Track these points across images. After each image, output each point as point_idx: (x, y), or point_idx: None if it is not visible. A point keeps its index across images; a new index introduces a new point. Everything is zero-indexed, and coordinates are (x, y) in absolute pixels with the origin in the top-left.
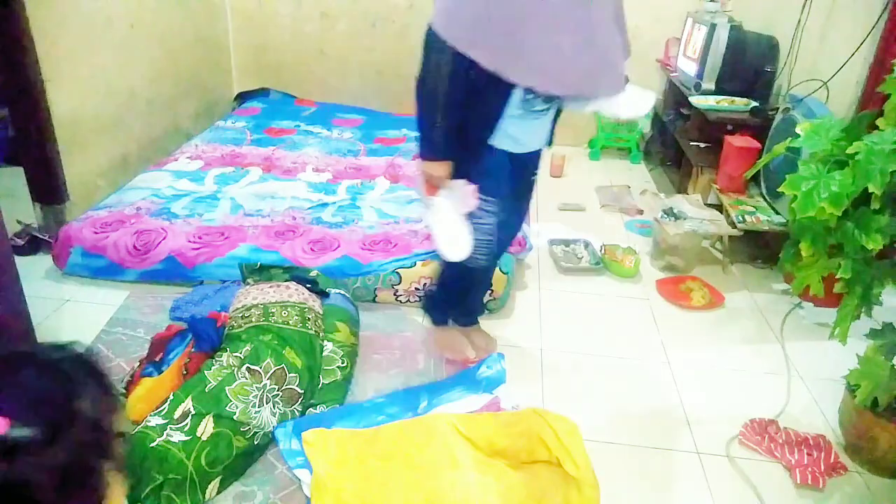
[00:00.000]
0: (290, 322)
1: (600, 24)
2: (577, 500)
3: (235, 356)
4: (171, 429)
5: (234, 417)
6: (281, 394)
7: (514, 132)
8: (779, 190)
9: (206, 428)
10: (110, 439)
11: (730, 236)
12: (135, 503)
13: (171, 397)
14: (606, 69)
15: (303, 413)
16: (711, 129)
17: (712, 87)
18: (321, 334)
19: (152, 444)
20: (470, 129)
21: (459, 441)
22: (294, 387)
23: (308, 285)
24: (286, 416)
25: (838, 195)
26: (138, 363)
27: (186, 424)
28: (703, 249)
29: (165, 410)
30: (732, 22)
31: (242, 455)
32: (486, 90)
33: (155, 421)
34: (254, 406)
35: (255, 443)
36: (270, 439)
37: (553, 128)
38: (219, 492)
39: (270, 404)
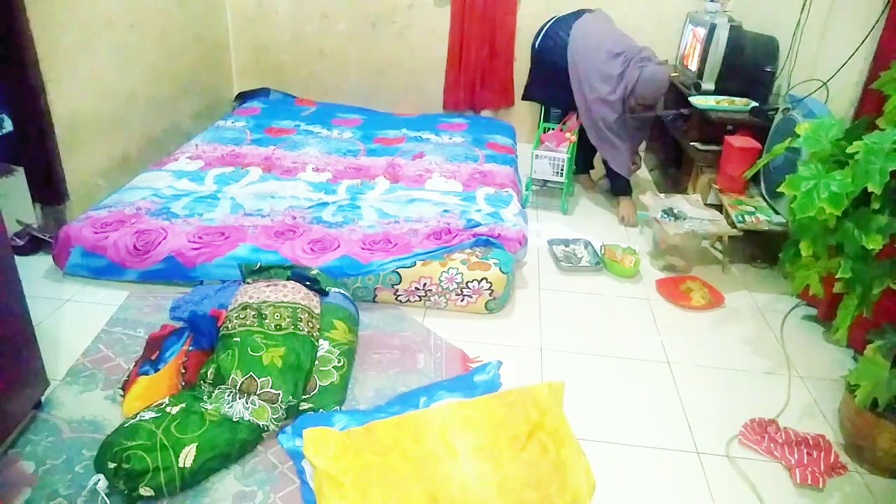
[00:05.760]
0: (283, 325)
1: None
2: (572, 486)
3: (204, 383)
4: (142, 411)
5: (207, 409)
6: (257, 397)
7: None
8: (779, 190)
9: (177, 409)
10: None
11: (730, 236)
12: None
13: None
14: None
15: (296, 409)
16: (711, 129)
17: (712, 87)
18: (315, 334)
19: (125, 425)
20: None
21: (456, 428)
22: (269, 389)
23: (308, 283)
24: (265, 411)
25: (838, 195)
26: (134, 363)
27: (158, 407)
28: (703, 249)
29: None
30: (732, 22)
31: (219, 425)
32: None
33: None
34: (227, 403)
35: (232, 418)
36: (256, 426)
37: None
38: (196, 463)
39: (243, 400)
